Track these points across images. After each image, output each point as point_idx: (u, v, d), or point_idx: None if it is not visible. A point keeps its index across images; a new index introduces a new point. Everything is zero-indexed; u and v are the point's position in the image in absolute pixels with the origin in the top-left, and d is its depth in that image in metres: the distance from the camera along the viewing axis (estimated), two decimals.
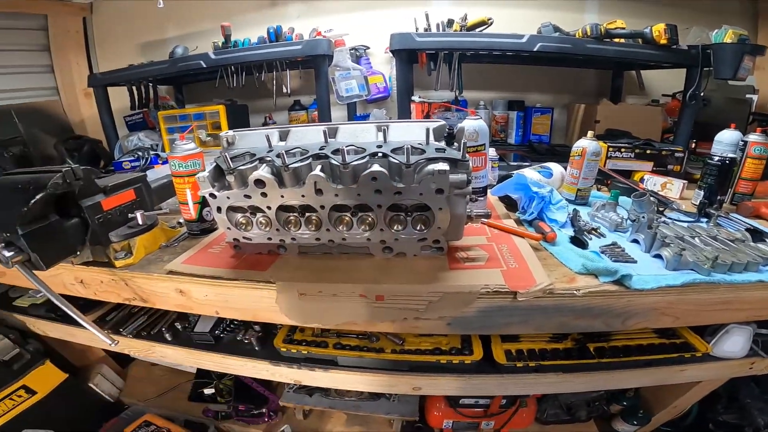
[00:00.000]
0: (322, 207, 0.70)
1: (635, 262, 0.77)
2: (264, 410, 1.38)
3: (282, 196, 0.70)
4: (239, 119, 1.70)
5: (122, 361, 1.64)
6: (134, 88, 1.67)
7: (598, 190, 1.27)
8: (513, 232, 0.88)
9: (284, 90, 1.41)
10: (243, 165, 0.70)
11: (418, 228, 0.73)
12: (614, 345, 0.94)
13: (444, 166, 0.64)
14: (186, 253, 0.87)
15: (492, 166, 1.28)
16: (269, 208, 0.72)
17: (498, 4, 1.61)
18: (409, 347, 0.95)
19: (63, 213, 0.81)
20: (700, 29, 1.37)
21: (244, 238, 0.80)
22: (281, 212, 0.74)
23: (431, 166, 0.64)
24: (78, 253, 0.85)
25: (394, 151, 0.68)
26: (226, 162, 0.68)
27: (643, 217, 0.86)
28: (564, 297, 0.67)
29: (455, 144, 0.75)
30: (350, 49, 1.56)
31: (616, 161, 1.32)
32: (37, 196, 0.70)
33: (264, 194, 0.70)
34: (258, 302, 0.76)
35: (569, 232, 0.91)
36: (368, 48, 1.63)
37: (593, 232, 0.92)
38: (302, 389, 1.35)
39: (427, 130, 0.70)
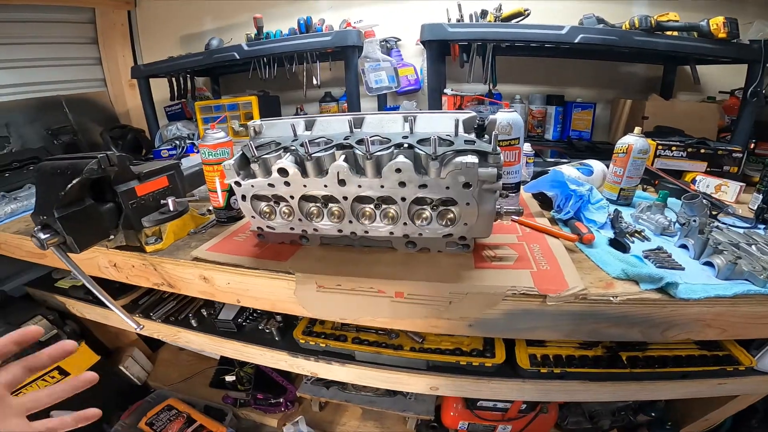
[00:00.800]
0: (345, 198, 0.69)
1: (682, 269, 0.70)
2: (281, 400, 1.40)
3: (305, 186, 0.69)
4: (271, 110, 1.72)
5: (153, 344, 1.70)
6: (173, 79, 1.73)
7: (644, 190, 1.19)
8: (546, 232, 0.83)
9: (314, 82, 1.40)
10: (267, 154, 0.69)
11: (443, 223, 0.69)
12: (650, 355, 0.88)
13: (473, 158, 0.60)
14: (212, 240, 0.88)
15: (527, 162, 1.22)
16: (292, 197, 0.72)
17: None
18: (429, 346, 0.92)
19: (99, 198, 0.85)
20: (764, 23, 1.24)
21: (267, 227, 0.80)
22: (304, 202, 0.73)
23: (459, 159, 0.61)
24: (112, 237, 0.88)
25: (420, 142, 0.65)
26: (251, 150, 0.68)
27: (694, 220, 0.79)
28: (598, 303, 0.62)
29: (486, 137, 0.71)
30: (381, 41, 1.53)
31: (666, 160, 1.22)
32: (74, 181, 0.72)
33: (287, 183, 0.69)
34: (277, 292, 0.75)
35: (609, 234, 0.85)
36: (399, 40, 1.59)
37: (636, 234, 0.85)
38: (319, 381, 1.36)
39: (457, 120, 0.66)
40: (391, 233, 0.72)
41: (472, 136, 0.68)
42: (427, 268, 0.69)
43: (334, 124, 0.75)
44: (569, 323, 0.64)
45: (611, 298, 0.62)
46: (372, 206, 0.70)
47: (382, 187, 0.65)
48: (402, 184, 0.64)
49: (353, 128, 0.71)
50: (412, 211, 0.69)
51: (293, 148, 0.69)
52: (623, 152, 1.00)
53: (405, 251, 0.76)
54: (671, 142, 1.21)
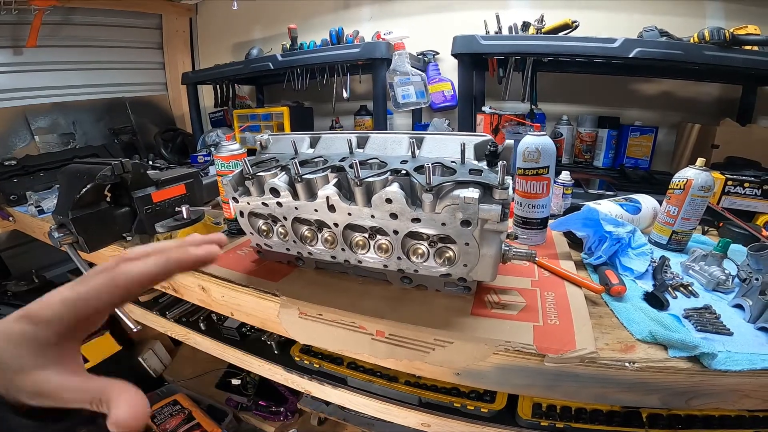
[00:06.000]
0: (336, 225, 0.64)
1: (730, 334, 0.57)
2: (282, 409, 1.40)
3: (296, 208, 0.65)
4: (304, 121, 1.74)
5: (176, 339, 1.77)
6: (218, 86, 1.81)
7: (704, 233, 1.01)
8: (568, 278, 0.72)
9: (344, 95, 1.39)
10: (262, 171, 0.67)
11: (440, 262, 0.62)
12: (676, 413, 0.75)
13: (473, 193, 0.53)
14: None
15: (563, 193, 1.10)
16: (285, 218, 0.69)
17: (591, 6, 1.38)
18: (425, 381, 0.86)
19: (118, 201, 0.88)
20: None
21: (265, 244, 0.78)
22: (298, 224, 0.70)
23: (457, 192, 0.54)
24: (129, 238, 0.91)
25: (420, 169, 0.59)
26: (246, 166, 0.66)
27: (757, 279, 0.64)
28: (609, 368, 0.52)
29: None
30: (418, 54, 1.48)
31: (736, 198, 1.03)
32: (88, 186, 0.76)
33: (279, 204, 0.66)
34: (266, 311, 0.73)
35: (648, 285, 0.72)
36: (437, 53, 1.52)
37: (682, 288, 0.72)
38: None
39: (462, 145, 0.59)
40: (385, 266, 0.66)
41: (481, 165, 0.60)
42: (417, 308, 0.63)
43: (336, 143, 0.71)
44: (570, 384, 0.54)
45: (626, 365, 0.51)
46: (365, 236, 0.65)
47: (373, 217, 0.60)
48: (393, 215, 0.58)
49: (353, 148, 0.67)
50: (406, 245, 0.63)
51: (289, 167, 0.66)
52: (680, 188, 0.86)
53: (400, 286, 0.69)
54: (744, 177, 1.02)
